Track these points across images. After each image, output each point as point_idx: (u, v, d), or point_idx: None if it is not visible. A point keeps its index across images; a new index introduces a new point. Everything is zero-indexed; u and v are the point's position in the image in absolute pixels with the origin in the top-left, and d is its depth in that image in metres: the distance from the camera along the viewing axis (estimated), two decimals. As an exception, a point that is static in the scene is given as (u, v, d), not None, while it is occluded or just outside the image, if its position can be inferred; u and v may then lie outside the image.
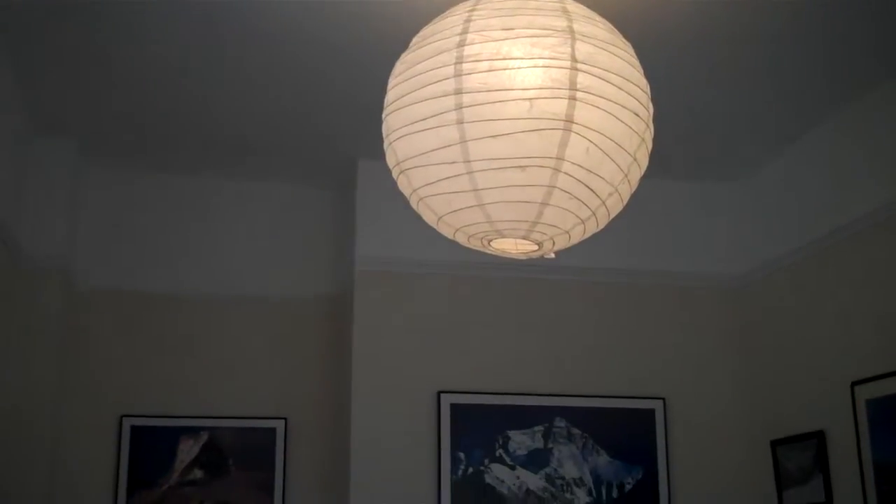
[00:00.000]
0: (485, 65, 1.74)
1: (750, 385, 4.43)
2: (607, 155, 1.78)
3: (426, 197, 1.89)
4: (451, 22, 1.84)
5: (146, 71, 3.61)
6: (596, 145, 1.76)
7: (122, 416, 4.30)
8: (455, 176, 1.79)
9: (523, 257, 2.03)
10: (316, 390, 4.52)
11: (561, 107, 1.73)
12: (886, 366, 3.52)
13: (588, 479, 4.27)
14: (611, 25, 1.95)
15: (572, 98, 1.73)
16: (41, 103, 3.88)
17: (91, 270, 4.41)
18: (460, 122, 1.75)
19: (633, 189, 1.94)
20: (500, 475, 4.21)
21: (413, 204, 1.99)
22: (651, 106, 1.93)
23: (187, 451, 4.33)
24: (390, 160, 1.96)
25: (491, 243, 1.97)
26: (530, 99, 1.73)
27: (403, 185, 1.96)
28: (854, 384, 3.66)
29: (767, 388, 4.30)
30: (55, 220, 4.15)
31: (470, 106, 1.73)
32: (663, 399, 4.40)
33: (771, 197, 4.38)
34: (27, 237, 4.04)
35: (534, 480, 4.23)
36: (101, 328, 4.40)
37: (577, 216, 1.84)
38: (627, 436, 4.33)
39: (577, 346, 4.41)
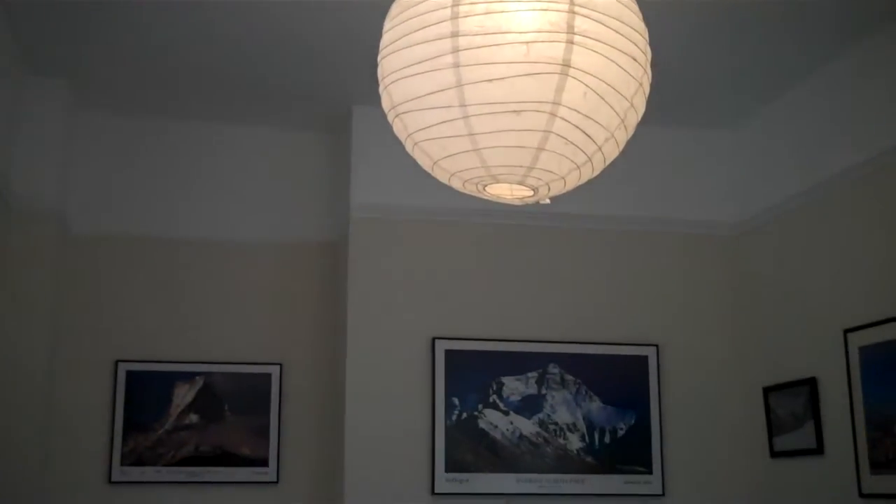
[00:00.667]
0: (482, 7, 1.72)
1: (743, 332, 4.45)
2: (604, 100, 1.76)
3: (421, 141, 1.87)
4: (447, -36, 1.81)
5: (141, 12, 3.56)
6: (593, 90, 1.74)
7: (117, 361, 4.32)
8: (450, 120, 1.77)
9: (518, 203, 2.01)
10: (311, 336, 4.53)
11: (558, 51, 1.71)
12: (879, 313, 3.54)
13: (581, 424, 4.30)
14: (609, -32, 1.92)
15: (569, 42, 1.71)
16: (33, 43, 3.84)
17: (85, 215, 4.40)
18: (456, 65, 1.72)
19: (630, 135, 1.92)
20: (494, 420, 4.24)
21: (408, 149, 1.97)
22: (649, 51, 1.91)
23: (182, 395, 4.35)
24: (385, 104, 1.94)
25: (486, 189, 1.96)
26: (527, 42, 1.71)
27: (399, 129, 1.94)
28: (847, 331, 3.68)
29: (761, 335, 4.32)
30: (48, 164, 4.13)
31: (466, 49, 1.71)
32: (656, 346, 4.42)
33: (768, 144, 4.36)
34: (20, 180, 4.02)
35: (527, 426, 4.27)
36: (95, 273, 4.40)
37: (573, 162, 1.82)
38: (620, 382, 4.36)
39: (571, 293, 4.42)
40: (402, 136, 1.94)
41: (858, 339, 3.61)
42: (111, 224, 4.44)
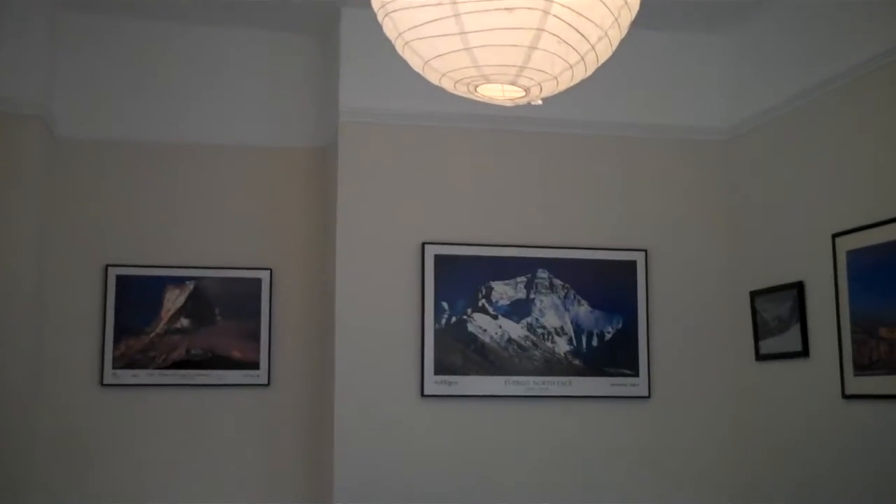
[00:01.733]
0: None
1: (732, 237, 4.47)
2: (598, -2, 1.74)
3: (412, 41, 1.85)
4: None
5: None
6: (586, -13, 1.72)
7: (107, 266, 4.32)
8: (441, 18, 1.74)
9: (510, 104, 2.00)
10: (301, 241, 4.53)
11: (551, -54, 1.68)
12: (867, 217, 3.55)
13: (569, 328, 4.34)
14: None
15: (563, -63, 1.68)
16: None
17: (71, 118, 4.35)
18: (447, -39, 1.69)
19: (623, 34, 1.90)
20: (483, 324, 4.28)
21: (398, 48, 1.94)
22: (643, -52, 1.88)
23: (173, 300, 4.37)
24: (375, 3, 1.90)
25: (477, 89, 1.94)
26: (519, -62, 1.67)
27: (388, 28, 1.91)
28: (835, 235, 3.69)
29: (749, 239, 4.34)
30: (32, 66, 4.07)
31: (457, -55, 1.68)
32: (645, 251, 4.43)
33: (760, 49, 4.32)
34: (3, 82, 3.97)
35: (516, 329, 4.31)
36: (83, 177, 4.37)
37: (566, 61, 1.80)
38: (609, 287, 4.39)
39: (561, 199, 4.42)
40: (392, 35, 1.91)
41: (846, 244, 3.63)
42: (98, 128, 4.40)
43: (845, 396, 3.64)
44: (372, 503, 4.09)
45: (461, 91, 1.96)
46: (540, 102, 1.99)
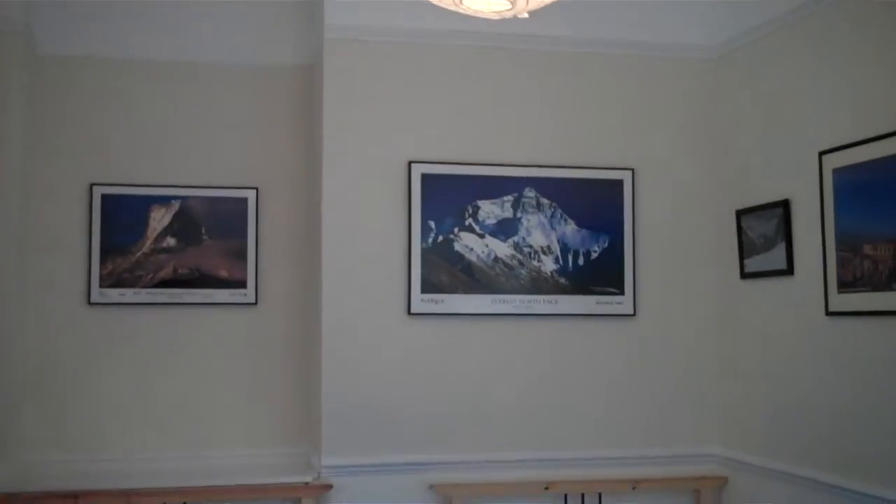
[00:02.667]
0: None
1: (718, 156, 4.46)
2: None
3: (396, -48, 1.81)
4: None
5: None
6: None
7: (91, 185, 4.29)
8: (426, -72, 1.71)
9: (496, 17, 1.97)
10: (286, 161, 4.50)
11: None
12: (855, 135, 3.54)
13: (555, 247, 4.35)
14: None
15: None
16: None
17: (53, 36, 4.28)
18: None
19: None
20: (470, 243, 4.28)
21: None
22: None
23: (159, 219, 4.35)
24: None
25: (463, 2, 1.91)
26: None
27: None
28: (822, 153, 3.69)
29: (736, 158, 4.33)
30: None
31: None
32: (632, 170, 4.42)
33: (751, -37, 4.26)
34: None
35: (502, 248, 4.31)
36: (66, 96, 4.32)
37: (553, -28, 1.78)
38: (595, 206, 4.39)
39: (548, 117, 4.39)
40: (376, -55, 1.88)
41: (833, 161, 3.63)
42: (80, 46, 4.33)
43: (829, 313, 3.67)
44: (359, 420, 4.13)
45: (447, 5, 1.93)
46: (526, 16, 1.96)
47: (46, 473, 4.06)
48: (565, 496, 4.26)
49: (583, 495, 4.27)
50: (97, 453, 4.22)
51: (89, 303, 4.27)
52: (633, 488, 4.28)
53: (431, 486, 4.14)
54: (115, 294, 4.29)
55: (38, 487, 3.90)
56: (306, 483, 4.09)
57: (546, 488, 4.21)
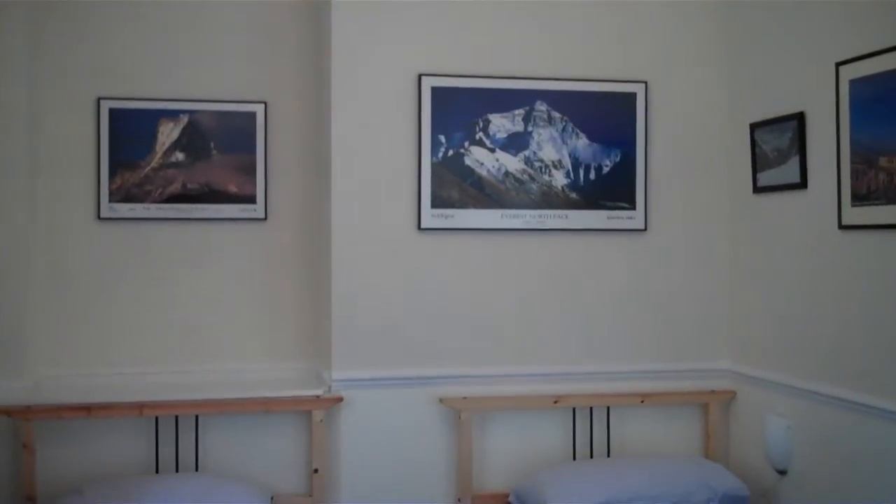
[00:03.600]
0: None
1: (733, 68, 4.38)
2: None
3: None
4: None
5: None
6: None
7: (99, 99, 4.25)
8: None
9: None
10: (295, 75, 4.45)
11: None
12: (872, 44, 3.46)
13: (566, 161, 4.31)
14: None
15: None
16: None
17: (54, -54, 4.21)
18: None
19: None
20: (480, 158, 4.24)
21: None
22: None
23: (167, 133, 4.32)
24: None
25: None
26: None
27: None
28: (838, 64, 3.61)
29: (750, 70, 4.25)
30: None
31: None
32: (645, 83, 4.36)
33: None
34: None
35: (513, 163, 4.27)
36: (73, 9, 4.25)
37: None
38: (607, 119, 4.33)
39: (560, 29, 4.31)
40: None
41: (850, 72, 3.56)
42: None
43: (842, 227, 3.64)
44: (369, 334, 4.15)
45: None
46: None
47: (60, 387, 4.10)
48: (574, 410, 4.29)
49: (591, 409, 4.30)
50: (109, 367, 4.25)
51: (99, 218, 4.26)
52: (642, 402, 4.30)
53: (440, 400, 4.17)
54: (124, 209, 4.29)
55: (51, 400, 3.94)
56: (317, 396, 4.12)
57: (555, 402, 4.23)
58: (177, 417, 4.04)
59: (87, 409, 3.91)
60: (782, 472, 4.01)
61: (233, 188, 4.37)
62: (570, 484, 3.91)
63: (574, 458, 4.28)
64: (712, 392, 4.38)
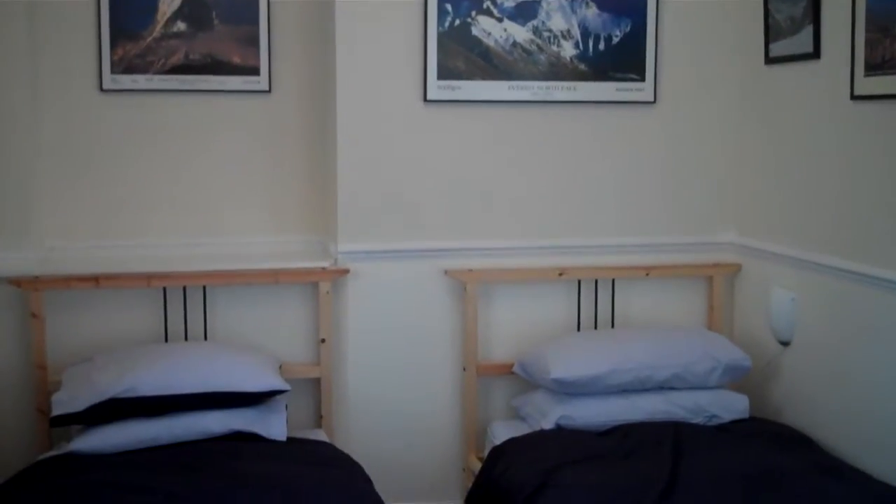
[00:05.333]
0: None
1: (748, -65, 4.27)
2: None
3: None
4: None
5: None
6: None
7: (97, -34, 4.16)
8: None
9: None
10: (297, -59, 4.35)
11: None
12: None
13: (575, 31, 4.23)
14: None
15: None
16: None
17: None
18: None
19: None
20: (487, 27, 4.16)
21: None
22: None
23: (168, 2, 4.23)
24: None
25: None
26: None
27: None
28: (857, -72, 3.51)
29: (766, -63, 4.14)
30: None
31: None
32: (657, -51, 4.25)
33: None
34: None
35: (521, 33, 4.19)
36: None
37: None
38: (618, -12, 4.24)
39: None
40: None
41: (868, -64, 3.46)
42: None
43: (854, 97, 3.58)
44: (374, 207, 4.15)
45: None
46: None
47: (67, 258, 4.12)
48: (578, 282, 4.31)
49: (596, 281, 4.32)
50: (116, 239, 4.25)
51: (101, 89, 4.21)
52: (647, 275, 4.32)
53: (446, 272, 4.19)
54: (127, 80, 4.23)
55: (59, 271, 3.97)
56: (323, 268, 4.14)
57: (560, 274, 4.25)
58: (185, 288, 4.07)
59: (95, 280, 3.94)
60: (785, 344, 4.05)
61: (236, 59, 4.30)
62: (573, 354, 3.96)
63: (578, 330, 4.32)
64: (717, 265, 4.39)
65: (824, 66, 3.77)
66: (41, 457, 3.64)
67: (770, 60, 4.10)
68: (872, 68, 3.47)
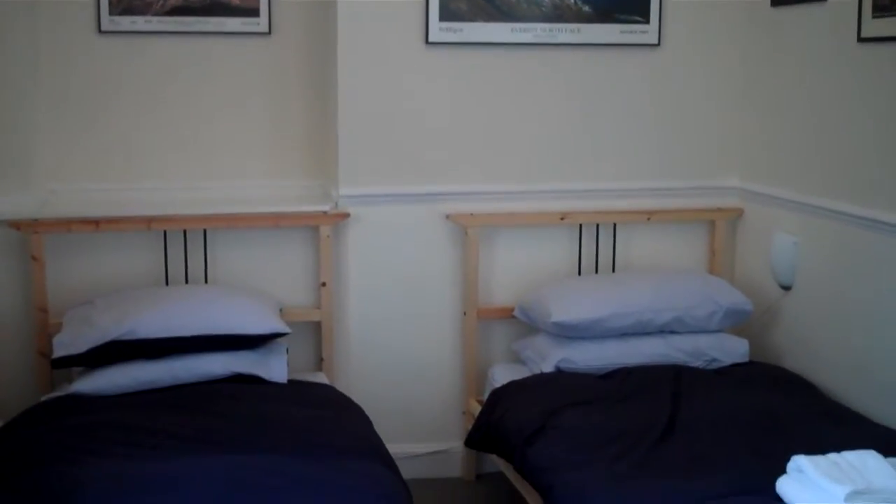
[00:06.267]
0: None
1: None
2: None
3: None
4: None
5: None
6: None
7: None
8: None
9: None
10: None
11: None
12: None
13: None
14: None
15: None
16: None
17: None
18: None
19: None
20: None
21: None
22: None
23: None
24: None
25: None
26: None
27: None
28: None
29: None
30: None
31: None
32: None
33: None
34: None
35: (524, -27, 4.15)
36: None
37: None
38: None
39: None
40: None
41: None
42: None
43: (861, 40, 3.54)
44: (376, 151, 4.13)
45: None
46: None
47: (67, 201, 4.10)
48: (580, 226, 4.30)
49: (597, 226, 4.31)
50: (116, 183, 4.23)
51: (100, 31, 4.16)
52: (648, 219, 4.30)
53: (447, 216, 4.17)
54: (126, 22, 4.19)
55: (59, 214, 3.96)
56: (324, 212, 4.12)
57: (561, 219, 4.24)
58: (185, 232, 4.06)
59: (95, 223, 3.93)
60: (786, 288, 4.04)
61: (236, 1, 4.25)
62: (575, 297, 3.96)
63: (579, 275, 4.31)
64: (720, 209, 4.37)
65: (831, 7, 3.73)
66: (44, 398, 3.66)
67: (776, 2, 4.05)
68: (880, 10, 3.43)
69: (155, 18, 4.20)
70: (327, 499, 2.78)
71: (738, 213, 4.37)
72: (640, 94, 4.29)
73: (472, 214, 4.17)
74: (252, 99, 4.32)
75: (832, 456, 2.82)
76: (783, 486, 2.81)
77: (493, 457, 3.81)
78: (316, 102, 4.35)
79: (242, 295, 3.92)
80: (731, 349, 3.99)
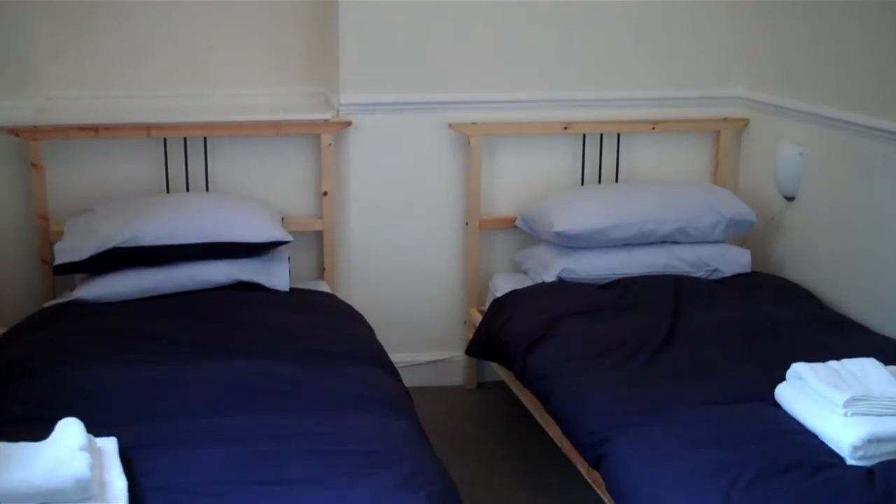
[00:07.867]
0: None
1: None
2: None
3: None
4: None
5: None
6: None
7: None
8: None
9: None
10: None
11: None
12: None
13: None
14: None
15: None
16: None
17: None
18: None
19: None
20: None
21: None
22: None
23: None
24: None
25: None
26: None
27: None
28: None
29: None
30: None
31: None
32: None
33: None
34: None
35: None
36: None
37: None
38: None
39: None
40: None
41: None
42: None
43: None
44: (377, 59, 4.07)
45: None
46: None
47: (66, 108, 4.06)
48: (583, 136, 4.25)
49: (601, 136, 4.26)
50: (114, 90, 4.17)
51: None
52: (653, 129, 4.26)
53: (449, 125, 4.13)
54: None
55: (58, 121, 3.92)
56: (325, 120, 4.08)
57: (565, 128, 4.19)
58: (185, 139, 4.02)
59: (94, 130, 3.89)
60: (790, 199, 4.02)
61: None
62: (577, 207, 3.94)
63: (582, 185, 4.29)
64: (725, 119, 4.32)
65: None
66: (45, 304, 3.67)
67: None
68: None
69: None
70: (326, 402, 2.80)
71: (743, 123, 4.32)
72: (646, 1, 4.21)
73: (474, 123, 4.13)
74: (252, 4, 4.24)
75: (832, 364, 2.83)
76: (782, 392, 2.83)
77: (494, 365, 3.83)
78: (317, 8, 4.27)
79: (245, 203, 3.90)
80: (734, 260, 3.98)
